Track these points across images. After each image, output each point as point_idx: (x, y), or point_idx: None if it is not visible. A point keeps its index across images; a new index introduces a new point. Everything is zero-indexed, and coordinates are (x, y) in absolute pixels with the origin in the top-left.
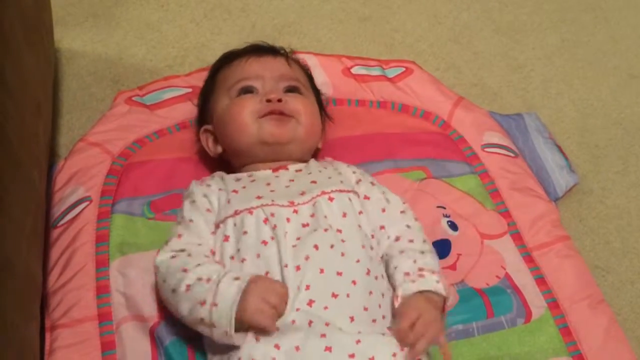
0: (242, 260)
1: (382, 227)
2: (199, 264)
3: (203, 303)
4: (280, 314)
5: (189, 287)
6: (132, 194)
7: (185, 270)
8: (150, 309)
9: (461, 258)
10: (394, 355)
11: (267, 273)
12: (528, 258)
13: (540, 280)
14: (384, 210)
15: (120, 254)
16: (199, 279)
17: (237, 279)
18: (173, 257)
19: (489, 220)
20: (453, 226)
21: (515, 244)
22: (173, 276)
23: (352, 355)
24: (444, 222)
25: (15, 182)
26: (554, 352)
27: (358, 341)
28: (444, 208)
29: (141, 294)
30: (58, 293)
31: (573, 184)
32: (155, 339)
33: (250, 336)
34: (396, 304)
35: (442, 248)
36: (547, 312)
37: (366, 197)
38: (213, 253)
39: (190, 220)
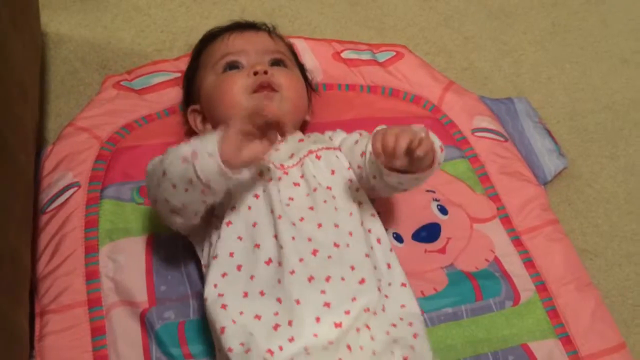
0: (233, 209)
1: (362, 154)
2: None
3: (185, 157)
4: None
5: (170, 151)
6: (121, 179)
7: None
8: (140, 295)
9: (451, 242)
10: (383, 309)
11: (255, 224)
12: (517, 242)
13: (529, 263)
14: (357, 142)
15: (110, 240)
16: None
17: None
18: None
19: (479, 204)
20: (443, 210)
21: (504, 227)
22: (165, 159)
23: (347, 312)
24: (433, 206)
25: (2, 167)
26: (541, 334)
27: (354, 299)
28: (434, 192)
29: (131, 279)
30: (47, 279)
31: (562, 168)
32: (145, 324)
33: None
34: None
35: (431, 232)
36: (535, 295)
37: (340, 146)
38: None
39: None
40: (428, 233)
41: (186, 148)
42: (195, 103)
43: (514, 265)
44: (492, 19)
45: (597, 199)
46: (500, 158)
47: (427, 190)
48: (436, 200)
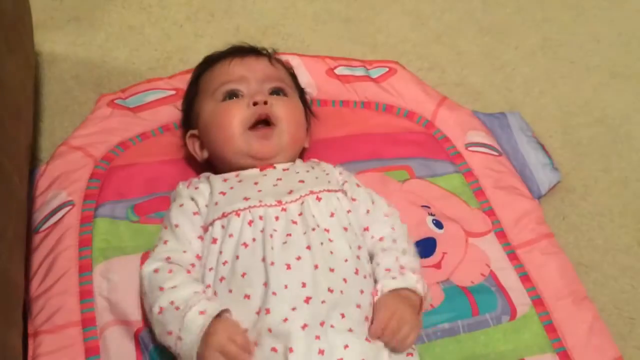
0: (224, 263)
1: (366, 229)
2: (174, 286)
3: (170, 333)
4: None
5: (161, 310)
6: (116, 197)
7: (161, 289)
8: (134, 313)
9: (446, 256)
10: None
11: (244, 274)
12: (512, 256)
13: (525, 277)
14: (368, 212)
15: (104, 258)
16: (171, 304)
17: (202, 312)
18: (155, 270)
19: (474, 218)
20: (438, 225)
21: (499, 242)
22: (152, 293)
23: None
24: (429, 220)
25: None
26: (539, 349)
27: (346, 346)
28: (429, 207)
29: (125, 298)
30: (41, 299)
31: (556, 181)
32: (140, 343)
33: None
34: (375, 299)
35: (427, 246)
36: (531, 309)
37: (353, 199)
38: (199, 258)
39: (176, 225)
40: (424, 248)
41: (173, 326)
42: (194, 128)
43: (509, 279)
44: (484, 35)
45: (592, 213)
46: (494, 172)
47: (422, 206)
48: (431, 215)
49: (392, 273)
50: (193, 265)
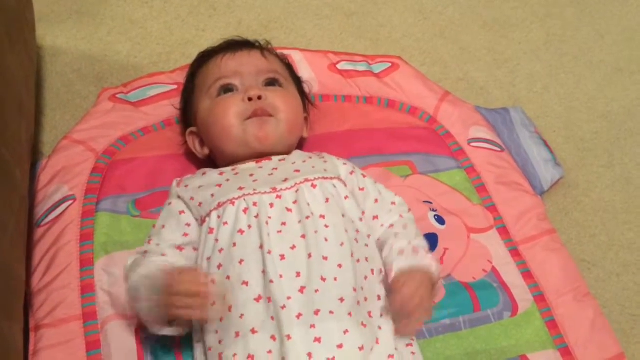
0: (220, 251)
1: (375, 217)
2: (151, 262)
3: (138, 298)
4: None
5: (135, 281)
6: (117, 192)
7: (139, 266)
8: None
9: (448, 252)
10: (377, 342)
11: (242, 261)
12: (514, 252)
13: (527, 273)
14: (377, 201)
15: (105, 253)
16: (145, 275)
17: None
18: (134, 261)
19: (476, 214)
20: (440, 220)
21: (501, 238)
22: (130, 272)
23: (340, 346)
24: (430, 216)
25: None
26: (540, 345)
27: (346, 331)
28: (431, 203)
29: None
30: (42, 293)
31: (558, 177)
32: (141, 337)
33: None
34: (390, 278)
35: (429, 242)
36: (533, 305)
37: (361, 189)
38: (180, 249)
39: (163, 227)
40: None
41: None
42: (193, 125)
43: (511, 275)
44: (487, 30)
45: (594, 209)
46: (496, 168)
47: (424, 201)
48: (433, 210)
49: (406, 254)
50: (163, 254)
